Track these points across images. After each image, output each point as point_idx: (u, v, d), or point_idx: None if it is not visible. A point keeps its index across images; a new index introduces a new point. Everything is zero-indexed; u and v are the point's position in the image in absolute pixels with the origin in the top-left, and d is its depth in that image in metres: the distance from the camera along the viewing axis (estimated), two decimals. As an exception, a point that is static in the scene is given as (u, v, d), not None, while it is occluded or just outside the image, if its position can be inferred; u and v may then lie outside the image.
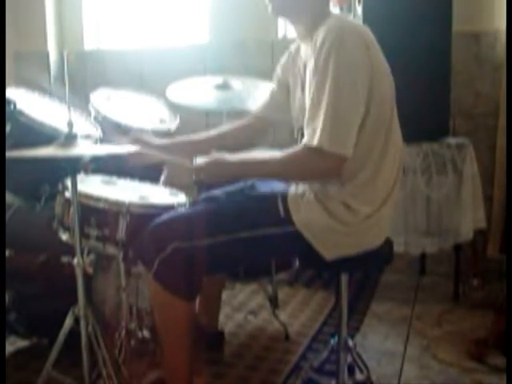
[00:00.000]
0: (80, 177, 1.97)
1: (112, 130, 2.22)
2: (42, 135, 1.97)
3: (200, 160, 1.78)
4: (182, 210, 1.93)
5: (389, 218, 1.80)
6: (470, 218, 2.72)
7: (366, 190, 1.72)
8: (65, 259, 2.19)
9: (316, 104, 1.65)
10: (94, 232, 1.90)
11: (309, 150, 1.65)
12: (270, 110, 2.07)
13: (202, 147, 2.02)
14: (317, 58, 1.65)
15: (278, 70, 2.04)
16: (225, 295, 2.44)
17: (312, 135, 1.64)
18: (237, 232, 1.74)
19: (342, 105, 1.62)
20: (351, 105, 1.63)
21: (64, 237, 1.98)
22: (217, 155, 1.78)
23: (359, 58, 1.63)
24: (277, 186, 1.89)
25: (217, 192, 2.02)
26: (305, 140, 1.67)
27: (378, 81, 1.67)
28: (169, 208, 1.93)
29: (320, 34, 1.67)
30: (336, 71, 1.61)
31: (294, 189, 1.78)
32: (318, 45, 1.65)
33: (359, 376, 1.99)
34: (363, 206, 1.72)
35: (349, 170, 1.68)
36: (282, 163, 1.72)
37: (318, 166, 1.67)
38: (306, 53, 1.79)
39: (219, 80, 2.57)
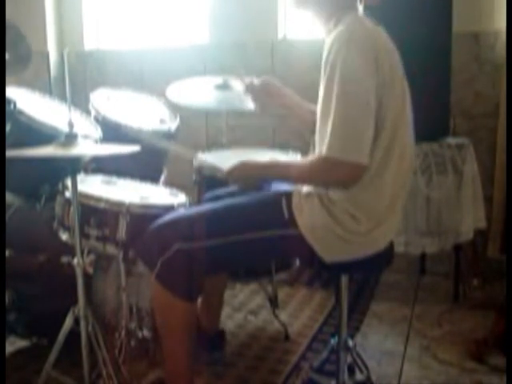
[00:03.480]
0: (80, 177, 1.97)
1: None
2: (41, 135, 1.97)
3: (228, 165, 1.81)
4: (184, 210, 1.92)
5: (395, 226, 1.78)
6: (470, 218, 2.72)
7: (367, 199, 1.69)
8: (65, 259, 2.18)
9: (325, 112, 1.63)
10: (93, 232, 1.90)
11: (321, 159, 1.64)
12: None
13: (308, 117, 2.00)
14: (324, 64, 1.64)
15: None
16: (225, 295, 2.44)
17: (323, 145, 1.62)
18: (240, 234, 1.73)
19: (351, 112, 1.60)
20: (360, 111, 1.60)
21: (64, 237, 1.98)
22: (244, 160, 1.81)
23: (365, 64, 1.60)
24: (281, 186, 1.89)
25: (220, 191, 2.02)
26: (317, 150, 1.66)
27: (388, 86, 1.64)
28: (169, 208, 1.93)
29: (331, 37, 1.65)
30: (342, 78, 1.58)
31: (298, 190, 1.77)
32: (326, 50, 1.64)
33: (359, 376, 1.99)
34: (366, 215, 1.69)
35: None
36: (301, 171, 1.72)
37: (332, 176, 1.65)
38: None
39: (219, 80, 2.56)
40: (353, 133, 1.60)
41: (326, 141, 1.61)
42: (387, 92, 1.64)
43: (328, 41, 1.67)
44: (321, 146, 1.64)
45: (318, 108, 1.70)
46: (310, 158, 1.70)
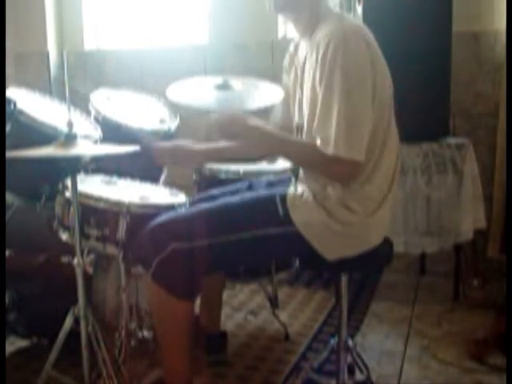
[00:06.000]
0: (80, 177, 1.97)
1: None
2: (41, 135, 1.97)
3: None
4: (180, 210, 1.92)
5: (387, 218, 1.80)
6: (470, 218, 2.72)
7: (363, 190, 1.71)
8: (65, 259, 2.18)
9: (327, 110, 1.63)
10: (93, 232, 1.90)
11: (328, 156, 1.64)
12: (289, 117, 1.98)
13: None
14: (322, 63, 1.63)
15: (284, 75, 2.02)
16: (225, 295, 2.44)
17: (327, 143, 1.63)
18: (236, 232, 1.74)
19: (353, 109, 1.62)
20: (362, 108, 1.63)
21: (64, 237, 1.98)
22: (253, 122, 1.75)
23: (364, 60, 1.63)
24: (275, 188, 1.89)
25: (214, 191, 2.02)
26: (320, 147, 1.66)
27: (379, 80, 1.67)
28: (169, 208, 1.93)
29: (322, 36, 1.66)
30: (344, 76, 1.60)
31: (293, 190, 1.78)
32: (321, 48, 1.64)
33: (359, 376, 2.00)
34: (361, 205, 1.71)
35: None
36: (303, 158, 1.72)
37: (334, 173, 1.68)
38: (306, 49, 1.78)
39: (219, 80, 2.56)
40: (356, 131, 1.62)
41: (332, 139, 1.61)
42: (380, 87, 1.66)
43: (316, 40, 1.67)
44: (325, 145, 1.63)
45: (309, 106, 1.69)
46: (315, 147, 1.66)
